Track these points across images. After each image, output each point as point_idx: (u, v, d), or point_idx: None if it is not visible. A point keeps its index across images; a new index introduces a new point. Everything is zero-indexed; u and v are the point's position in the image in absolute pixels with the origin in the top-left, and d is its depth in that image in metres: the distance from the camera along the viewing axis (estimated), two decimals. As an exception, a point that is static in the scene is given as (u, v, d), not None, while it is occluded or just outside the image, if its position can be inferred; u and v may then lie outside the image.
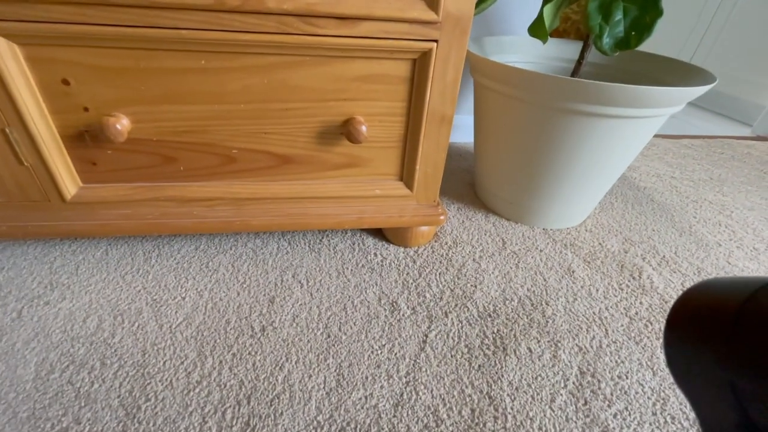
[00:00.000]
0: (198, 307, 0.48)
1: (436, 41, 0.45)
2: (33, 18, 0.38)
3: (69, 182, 0.48)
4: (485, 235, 0.66)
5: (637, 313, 0.53)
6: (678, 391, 0.43)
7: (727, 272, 0.63)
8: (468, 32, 0.45)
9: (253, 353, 0.43)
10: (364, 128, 0.48)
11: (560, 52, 0.79)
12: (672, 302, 0.56)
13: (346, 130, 0.49)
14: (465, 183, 0.83)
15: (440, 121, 0.51)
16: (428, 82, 0.47)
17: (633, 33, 0.53)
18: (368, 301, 0.51)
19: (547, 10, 0.57)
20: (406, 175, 0.56)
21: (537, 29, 0.61)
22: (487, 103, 0.64)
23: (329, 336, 0.46)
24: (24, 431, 0.35)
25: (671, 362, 0.20)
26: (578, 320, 0.51)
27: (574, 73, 0.68)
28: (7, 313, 0.45)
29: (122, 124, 0.44)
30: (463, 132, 1.03)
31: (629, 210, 0.78)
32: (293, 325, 0.47)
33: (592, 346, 0.48)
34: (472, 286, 0.55)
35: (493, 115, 0.64)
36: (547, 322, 0.50)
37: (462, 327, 0.49)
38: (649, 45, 1.73)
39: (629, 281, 0.59)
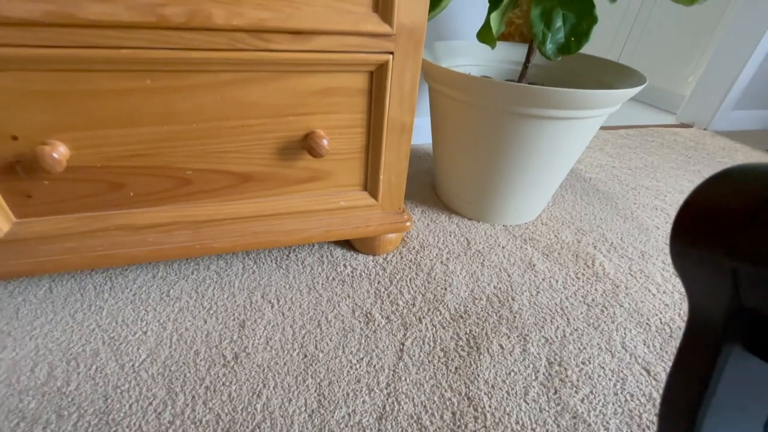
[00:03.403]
0: (162, 341, 0.45)
1: (391, 53, 0.45)
2: (-58, 41, 0.34)
3: (0, 219, 0.44)
4: (450, 236, 0.68)
5: (593, 300, 0.57)
6: (634, 369, 0.47)
7: (666, 253, 0.69)
8: (422, 43, 0.46)
9: (227, 383, 0.41)
10: (325, 142, 0.48)
11: (507, 54, 0.83)
12: (622, 286, 0.61)
13: (307, 145, 0.48)
14: (426, 185, 0.84)
15: (401, 130, 0.51)
16: (386, 92, 0.48)
17: (572, 39, 0.57)
18: (342, 315, 0.51)
19: (494, 17, 0.60)
20: (370, 185, 0.56)
21: (485, 35, 0.63)
22: (442, 108, 0.66)
23: (306, 356, 0.45)
24: (-29, 505, 0.31)
25: (676, 254, 0.19)
26: (542, 312, 0.54)
27: (522, 75, 0.71)
28: (-65, 371, 0.40)
29: (59, 152, 0.40)
30: (421, 133, 1.04)
31: (578, 201, 0.83)
32: (267, 348, 0.46)
33: (557, 336, 0.51)
34: (442, 288, 0.57)
35: (448, 119, 0.65)
36: (515, 317, 0.53)
37: (436, 331, 0.50)
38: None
39: (584, 270, 0.63)
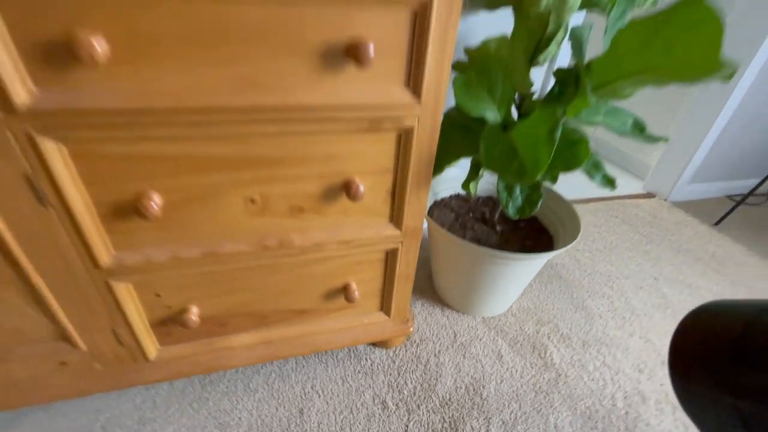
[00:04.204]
0: (252, 426, 0.70)
1: (401, 242, 0.70)
2: (143, 270, 0.58)
3: (152, 348, 0.69)
4: (442, 329, 0.93)
5: (540, 387, 0.81)
6: (559, 445, 0.72)
7: (602, 342, 0.93)
8: (420, 235, 0.70)
9: (298, 458, 0.66)
10: (356, 294, 0.72)
11: (493, 178, 1.07)
12: (563, 375, 0.85)
13: (344, 294, 0.73)
14: (425, 276, 1.09)
15: (405, 278, 0.76)
16: (396, 263, 0.72)
17: (527, 206, 0.81)
18: (366, 403, 0.76)
19: (473, 185, 0.84)
20: (385, 308, 0.80)
21: (466, 187, 0.88)
22: (438, 239, 0.90)
23: (344, 436, 0.70)
24: None
25: (679, 395, 0.19)
26: (503, 398, 0.79)
27: (496, 204, 0.95)
28: (120, 450, 0.66)
29: (194, 314, 0.65)
30: (422, 219, 1.29)
31: (543, 290, 1.07)
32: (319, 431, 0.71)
33: (510, 419, 0.75)
34: (434, 379, 0.81)
35: (439, 244, 0.90)
36: (483, 402, 0.78)
37: (429, 416, 0.75)
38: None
39: (537, 360, 0.87)
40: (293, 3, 0.43)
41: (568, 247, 0.81)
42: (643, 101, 1.73)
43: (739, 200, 1.44)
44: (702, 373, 0.19)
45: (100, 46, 0.39)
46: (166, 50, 0.42)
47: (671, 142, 1.58)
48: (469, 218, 0.98)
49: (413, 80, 0.52)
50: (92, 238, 0.52)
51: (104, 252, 0.55)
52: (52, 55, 0.40)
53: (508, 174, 0.58)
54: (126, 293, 0.60)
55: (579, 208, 1.47)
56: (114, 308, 0.61)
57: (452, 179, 1.04)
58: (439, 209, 1.00)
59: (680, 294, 1.10)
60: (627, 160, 1.85)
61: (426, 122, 0.56)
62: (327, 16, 0.45)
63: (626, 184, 1.71)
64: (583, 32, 0.67)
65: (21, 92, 0.40)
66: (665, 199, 1.61)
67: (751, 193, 1.43)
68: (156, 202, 0.52)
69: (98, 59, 0.39)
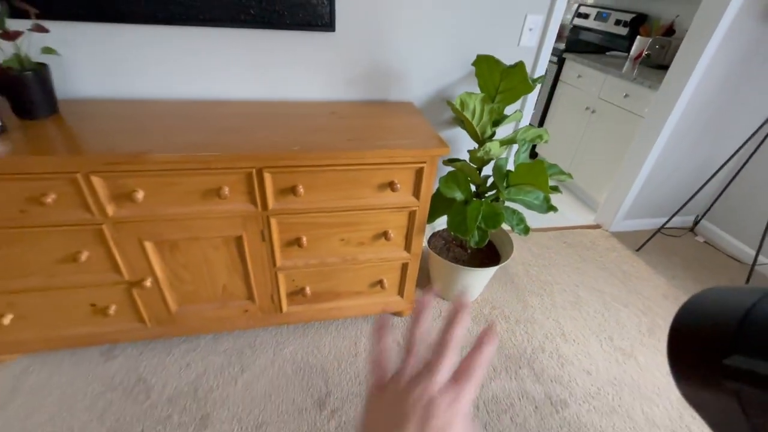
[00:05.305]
0: (331, 349, 1.40)
1: (410, 259, 1.37)
2: (291, 268, 1.29)
3: (285, 306, 1.39)
4: (433, 310, 1.60)
5: (485, 341, 1.47)
6: (487, 381, 1.38)
7: (528, 321, 1.58)
8: (420, 256, 1.37)
9: (358, 369, 1.35)
10: (386, 284, 1.40)
11: (467, 218, 1.73)
12: (501, 338, 1.51)
13: (380, 284, 1.41)
14: (425, 274, 1.76)
15: (412, 278, 1.43)
16: (407, 270, 1.40)
17: (480, 242, 1.47)
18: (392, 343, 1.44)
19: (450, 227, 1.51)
20: (400, 293, 1.48)
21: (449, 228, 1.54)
22: (433, 257, 1.57)
23: (378, 356, 1.38)
24: None
25: (678, 380, 0.20)
26: (464, 348, 1.45)
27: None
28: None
29: (308, 290, 1.35)
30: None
31: (499, 289, 1.72)
32: (361, 367, 1.39)
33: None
34: (427, 335, 1.48)
35: (435, 261, 1.57)
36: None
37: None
38: (551, 153, 2.70)
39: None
40: (370, 170, 1.11)
41: (502, 264, 1.47)
42: (597, 155, 2.33)
43: (654, 232, 2.04)
44: (703, 356, 0.19)
45: (301, 188, 1.08)
46: (321, 187, 1.12)
47: (613, 184, 2.17)
48: (452, 244, 1.64)
49: (416, 192, 1.19)
50: (276, 254, 1.23)
51: (279, 260, 1.25)
52: (282, 191, 1.10)
53: (459, 233, 1.25)
54: (282, 278, 1.30)
55: (542, 235, 2.10)
56: (275, 285, 1.31)
57: (444, 221, 1.71)
58: (435, 238, 1.67)
59: (590, 296, 1.73)
60: (587, 196, 2.46)
61: (421, 208, 1.23)
62: (381, 173, 1.13)
63: (582, 216, 2.32)
64: (503, 162, 1.33)
65: (271, 203, 1.11)
66: (607, 230, 2.21)
67: (663, 227, 2.03)
68: (304, 240, 1.21)
69: (301, 194, 1.09)
